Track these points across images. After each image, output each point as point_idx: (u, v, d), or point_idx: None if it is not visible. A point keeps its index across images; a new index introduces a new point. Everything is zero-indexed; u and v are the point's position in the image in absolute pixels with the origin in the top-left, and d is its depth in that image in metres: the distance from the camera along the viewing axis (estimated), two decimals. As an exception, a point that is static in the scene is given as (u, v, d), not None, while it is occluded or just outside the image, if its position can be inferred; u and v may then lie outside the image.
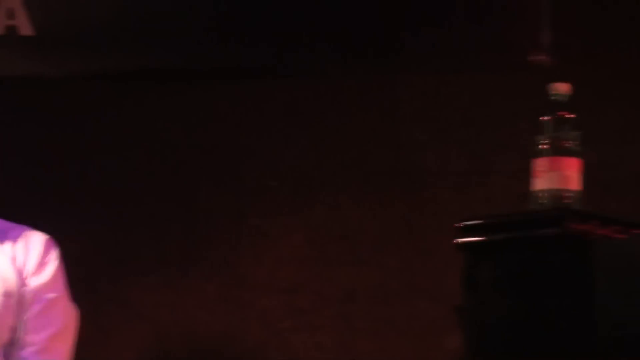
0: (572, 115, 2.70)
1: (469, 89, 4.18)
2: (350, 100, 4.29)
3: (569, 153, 2.68)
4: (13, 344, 2.71)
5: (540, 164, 2.69)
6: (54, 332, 2.74)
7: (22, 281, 2.71)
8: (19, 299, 2.71)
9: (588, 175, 2.88)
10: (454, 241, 2.70)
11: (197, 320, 4.24)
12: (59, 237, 2.82)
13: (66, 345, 2.78)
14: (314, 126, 4.26)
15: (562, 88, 2.71)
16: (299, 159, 4.27)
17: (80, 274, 2.92)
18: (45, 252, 2.78)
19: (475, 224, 2.71)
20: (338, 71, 4.22)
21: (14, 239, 2.78)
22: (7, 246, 2.75)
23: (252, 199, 4.26)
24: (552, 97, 2.71)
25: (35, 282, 2.73)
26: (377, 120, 4.26)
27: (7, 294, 2.69)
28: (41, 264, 2.76)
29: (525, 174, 2.74)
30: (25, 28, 4.03)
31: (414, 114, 4.20)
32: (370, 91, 4.30)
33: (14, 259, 2.74)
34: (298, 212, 4.25)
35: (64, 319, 2.78)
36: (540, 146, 2.70)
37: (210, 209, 4.28)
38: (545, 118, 2.71)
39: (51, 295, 2.74)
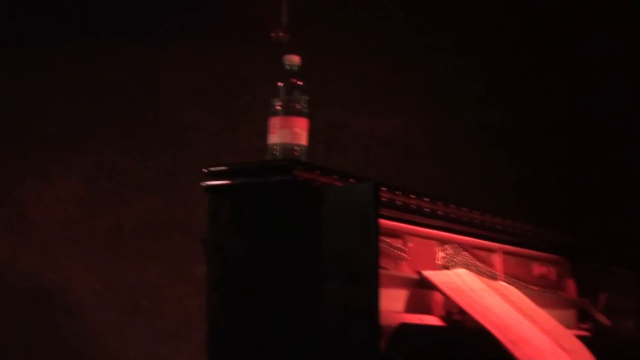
0: (301, 83, 2.82)
1: (221, 59, 4.30)
2: (121, 64, 4.35)
3: (298, 114, 2.80)
4: None
5: (274, 122, 2.80)
6: None
7: None
8: None
9: (318, 134, 3.05)
10: (201, 184, 2.78)
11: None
12: None
13: None
14: (87, 84, 4.30)
15: (294, 59, 2.84)
16: (73, 112, 4.30)
17: None
18: None
19: (218, 170, 2.78)
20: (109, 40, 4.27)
21: None
22: None
23: (33, 144, 4.26)
24: (287, 67, 2.83)
25: None
26: (143, 82, 4.32)
27: None
28: None
29: (265, 131, 2.83)
30: None
31: (175, 80, 4.30)
32: (139, 60, 4.36)
33: None
34: (73, 157, 4.29)
35: None
36: (275, 107, 2.81)
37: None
38: (280, 84, 2.82)
39: None
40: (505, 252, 3.51)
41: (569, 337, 3.21)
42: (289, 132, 2.81)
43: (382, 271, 2.68)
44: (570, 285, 3.84)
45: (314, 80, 2.97)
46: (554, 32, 4.69)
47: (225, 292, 2.78)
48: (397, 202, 2.91)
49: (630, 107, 4.63)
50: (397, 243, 3.06)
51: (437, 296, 3.08)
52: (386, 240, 2.99)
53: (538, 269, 3.68)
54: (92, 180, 4.24)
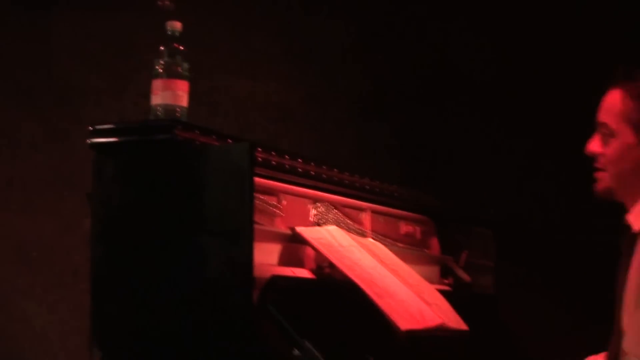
0: (182, 47, 2.79)
1: (110, 24, 4.26)
2: (15, 28, 4.28)
3: (179, 76, 2.78)
4: None
5: (157, 85, 2.77)
6: None
7: None
8: None
9: (200, 97, 3.04)
10: (87, 141, 2.74)
11: None
12: None
13: None
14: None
15: (175, 25, 2.81)
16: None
17: None
18: None
19: (103, 129, 2.75)
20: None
21: None
22: None
23: None
24: (169, 32, 2.80)
25: None
26: (36, 47, 4.26)
27: None
28: None
29: (149, 93, 2.80)
30: None
31: (66, 44, 4.24)
32: (32, 25, 4.29)
33: None
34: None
35: None
36: (158, 70, 2.78)
37: None
38: (162, 48, 2.80)
39: None
40: (374, 211, 3.54)
41: (432, 291, 3.26)
42: (170, 94, 2.78)
43: (257, 226, 2.71)
44: (434, 243, 3.89)
45: (197, 47, 2.97)
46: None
47: (108, 244, 2.76)
48: (272, 162, 2.91)
49: (496, 76, 4.69)
50: (272, 200, 3.07)
51: (309, 251, 3.10)
52: (261, 197, 3.00)
53: (404, 228, 3.73)
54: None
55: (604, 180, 2.78)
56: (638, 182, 2.72)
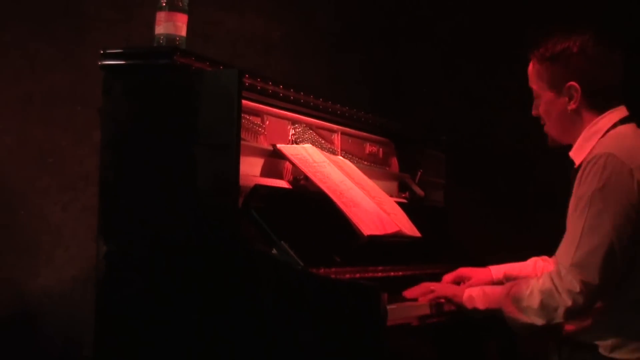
0: None
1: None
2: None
3: (179, 10, 2.74)
4: None
5: (160, 16, 2.74)
6: None
7: None
8: None
9: (196, 29, 2.99)
10: (99, 63, 2.70)
11: None
12: None
13: None
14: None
15: None
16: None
17: None
18: None
19: (113, 52, 2.72)
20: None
21: None
22: None
23: None
24: None
25: None
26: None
27: None
28: None
29: (154, 24, 2.76)
30: None
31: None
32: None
33: None
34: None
35: None
36: (161, 3, 2.74)
37: None
38: None
39: None
40: (343, 133, 3.53)
41: (391, 203, 3.27)
42: (172, 24, 2.74)
43: (243, 142, 2.69)
44: (394, 162, 3.89)
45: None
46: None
47: (114, 152, 2.73)
48: (258, 87, 2.89)
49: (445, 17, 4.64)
50: (256, 120, 3.05)
51: (287, 165, 3.10)
52: (247, 117, 2.98)
53: (369, 148, 3.72)
54: (9, 56, 4.06)
55: (548, 133, 2.80)
56: (572, 126, 2.72)
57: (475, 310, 2.72)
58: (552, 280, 2.54)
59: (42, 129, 4.09)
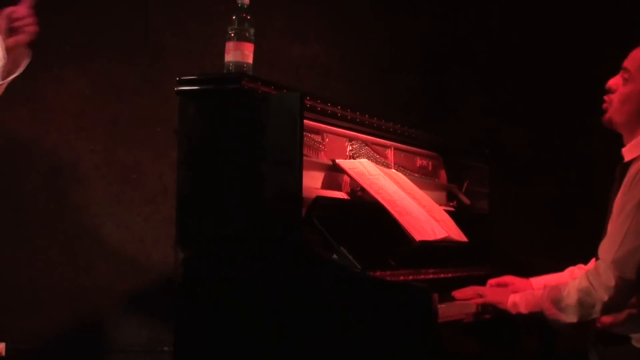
0: (249, 17, 2.77)
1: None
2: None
3: (246, 39, 2.76)
4: None
5: (229, 46, 2.77)
6: None
7: None
8: None
9: (262, 57, 3.01)
10: (175, 89, 2.73)
11: None
12: None
13: None
14: (92, 12, 4.19)
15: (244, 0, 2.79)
16: (85, 34, 4.18)
17: None
18: None
19: (187, 79, 2.73)
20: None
21: None
22: None
23: (53, 56, 4.12)
24: (239, 4, 2.79)
25: None
26: (135, 13, 4.21)
27: None
28: None
29: (224, 53, 2.79)
30: None
31: (159, 10, 4.20)
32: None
33: None
34: (82, 66, 4.17)
35: None
36: (230, 34, 2.77)
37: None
38: (233, 17, 2.78)
39: None
40: (396, 148, 3.51)
41: (440, 211, 3.24)
42: (240, 53, 2.76)
43: (305, 158, 2.71)
44: (442, 174, 3.86)
45: (260, 17, 2.94)
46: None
47: (190, 170, 2.75)
48: (318, 108, 2.89)
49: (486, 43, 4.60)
50: (317, 138, 3.05)
51: (346, 178, 3.09)
52: (309, 135, 2.98)
53: (419, 162, 3.70)
54: (97, 84, 4.14)
55: (609, 112, 2.68)
56: (637, 122, 2.63)
57: (519, 314, 2.68)
58: (588, 278, 2.50)
59: (126, 149, 4.15)
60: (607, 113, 2.69)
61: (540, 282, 2.98)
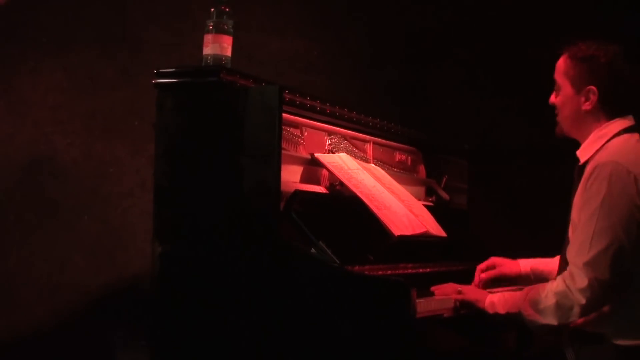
0: (228, 9, 2.76)
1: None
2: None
3: (225, 32, 2.75)
4: None
5: (208, 38, 2.75)
6: None
7: None
8: None
9: (241, 50, 2.99)
10: (153, 81, 2.72)
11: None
12: None
13: None
14: (71, 3, 4.14)
15: None
16: (61, 27, 4.12)
17: None
18: None
19: (165, 71, 2.72)
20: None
21: None
22: None
23: (30, 47, 4.05)
24: None
25: None
26: (113, 6, 4.18)
27: None
28: None
29: (202, 45, 2.78)
30: None
31: (139, 5, 4.17)
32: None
33: None
34: (59, 58, 4.10)
35: None
36: (209, 27, 2.75)
37: None
38: (212, 10, 2.76)
39: None
40: (375, 143, 3.51)
41: (419, 206, 3.24)
42: (218, 46, 2.75)
43: (284, 152, 2.69)
44: (421, 169, 3.86)
45: (239, 10, 2.91)
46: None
47: (168, 163, 2.74)
48: (297, 102, 2.88)
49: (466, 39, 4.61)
50: (296, 132, 3.04)
51: (324, 172, 3.08)
52: (288, 129, 2.97)
53: (398, 156, 3.69)
54: (75, 77, 4.09)
55: (558, 124, 2.78)
56: (582, 124, 2.70)
57: (496, 314, 2.70)
58: (564, 281, 2.53)
59: (104, 142, 4.11)
60: (557, 126, 2.79)
61: (528, 265, 3.03)
